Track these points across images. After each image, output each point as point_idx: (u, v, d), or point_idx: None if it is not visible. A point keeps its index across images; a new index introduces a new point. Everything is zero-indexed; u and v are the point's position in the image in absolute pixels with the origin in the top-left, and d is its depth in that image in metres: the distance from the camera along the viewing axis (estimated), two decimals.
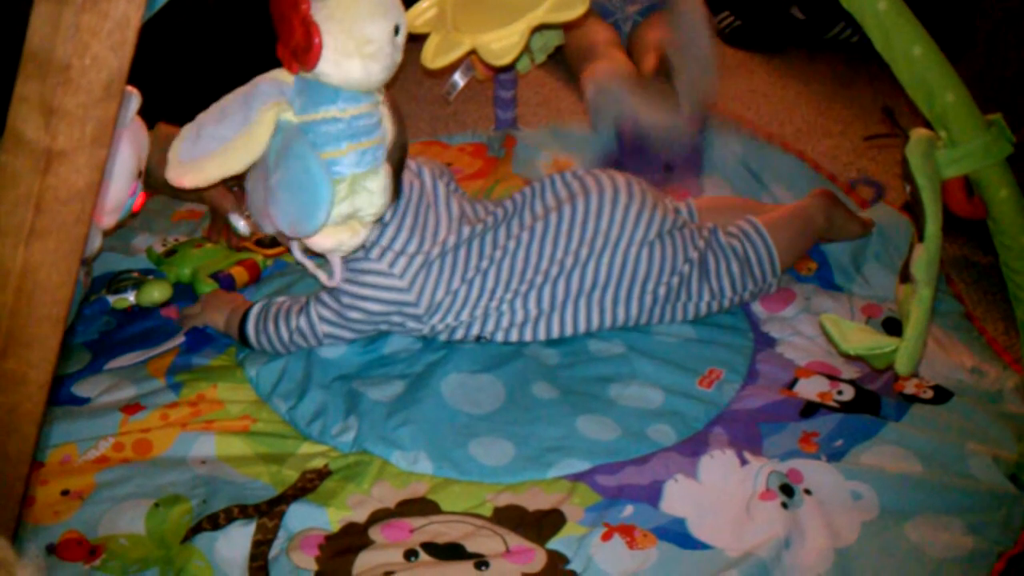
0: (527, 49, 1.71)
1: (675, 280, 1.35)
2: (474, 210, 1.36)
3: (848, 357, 1.27)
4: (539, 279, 1.33)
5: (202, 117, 1.12)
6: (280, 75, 1.13)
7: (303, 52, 1.05)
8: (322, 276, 1.25)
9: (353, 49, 1.06)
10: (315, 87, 1.09)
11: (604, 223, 1.33)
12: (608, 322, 1.36)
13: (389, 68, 1.10)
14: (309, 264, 1.25)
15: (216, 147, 1.09)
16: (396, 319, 1.32)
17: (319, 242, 1.17)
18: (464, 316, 1.33)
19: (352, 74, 1.07)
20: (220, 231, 1.54)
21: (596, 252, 1.33)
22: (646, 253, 1.34)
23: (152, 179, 1.37)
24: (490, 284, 1.32)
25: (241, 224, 1.44)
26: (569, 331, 1.36)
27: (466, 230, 1.32)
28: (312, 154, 1.09)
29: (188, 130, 1.12)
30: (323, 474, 1.18)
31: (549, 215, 1.34)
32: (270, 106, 1.09)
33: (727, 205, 1.54)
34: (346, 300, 1.30)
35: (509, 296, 1.33)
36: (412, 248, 1.28)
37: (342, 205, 1.12)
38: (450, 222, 1.31)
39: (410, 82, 2.18)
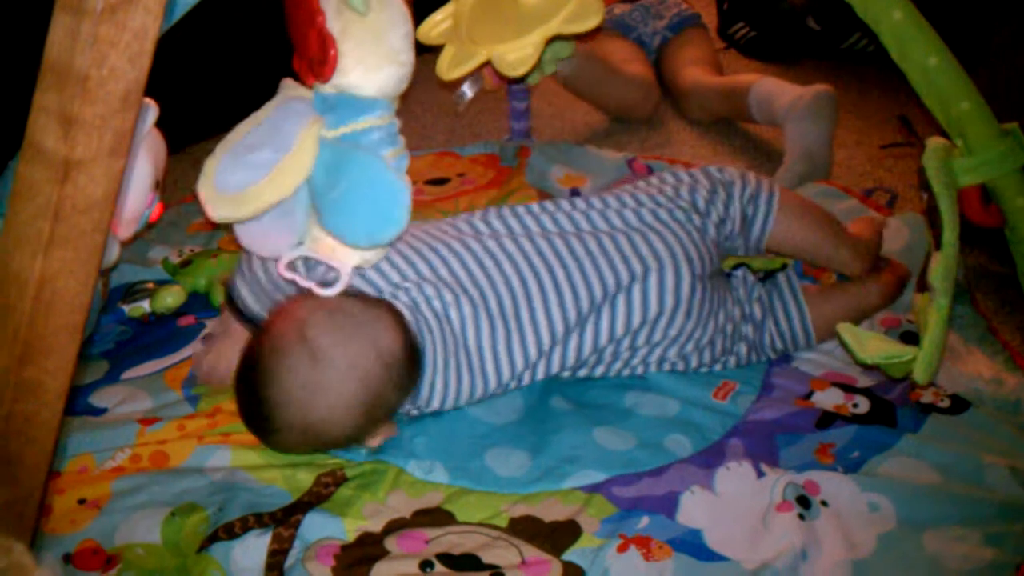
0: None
1: (717, 366, 1.34)
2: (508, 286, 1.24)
3: (865, 366, 1.26)
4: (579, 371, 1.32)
5: (227, 148, 1.09)
6: (300, 92, 1.12)
7: (319, 64, 1.06)
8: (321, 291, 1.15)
9: (391, 58, 1.06)
10: (347, 101, 1.08)
11: (657, 334, 1.28)
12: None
13: (411, 73, 1.10)
14: (314, 286, 1.15)
15: (263, 173, 1.06)
16: None
17: (347, 257, 1.14)
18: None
19: (389, 82, 1.07)
20: None
21: (642, 356, 1.31)
22: (688, 356, 1.31)
23: None
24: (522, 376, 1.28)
25: None
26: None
27: (509, 382, 1.25)
28: (375, 157, 1.07)
29: (216, 163, 1.08)
30: (338, 479, 1.18)
31: (605, 312, 1.26)
32: (310, 123, 1.08)
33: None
34: None
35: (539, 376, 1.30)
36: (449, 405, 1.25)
37: None
38: (485, 380, 1.24)
39: (425, 93, 2.19)
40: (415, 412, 1.25)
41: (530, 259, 1.25)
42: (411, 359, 1.16)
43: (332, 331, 1.11)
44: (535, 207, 1.33)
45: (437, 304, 1.20)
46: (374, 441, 1.21)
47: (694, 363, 1.32)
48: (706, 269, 1.30)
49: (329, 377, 1.10)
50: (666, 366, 1.32)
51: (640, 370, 1.32)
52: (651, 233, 1.29)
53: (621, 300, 1.26)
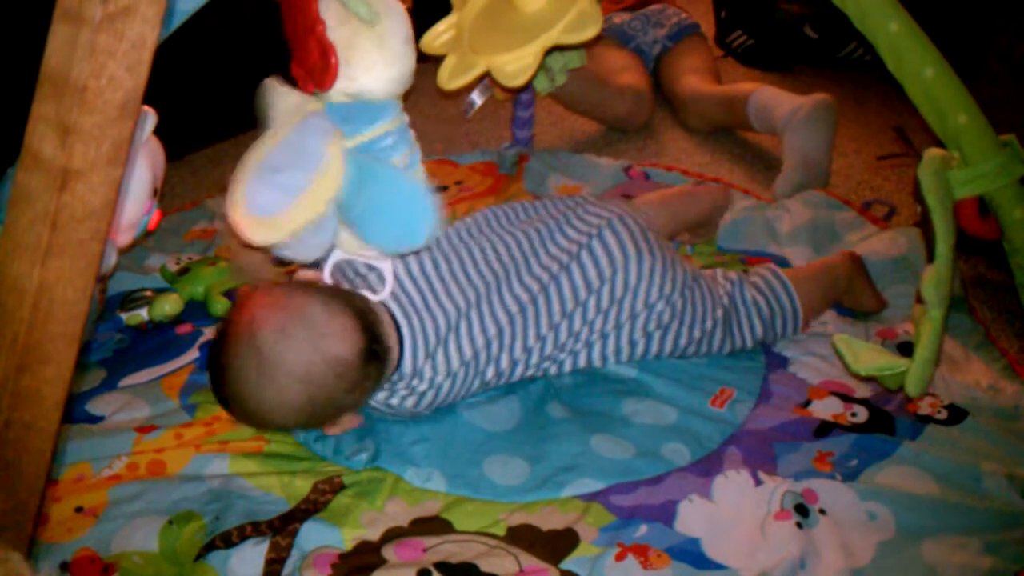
0: (547, 69, 1.72)
1: (696, 333, 1.34)
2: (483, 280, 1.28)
3: (860, 378, 1.26)
4: (560, 354, 1.31)
5: (252, 169, 1.10)
6: (312, 106, 1.12)
7: (320, 72, 1.06)
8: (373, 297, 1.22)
9: (395, 60, 1.06)
10: (361, 108, 1.09)
11: (618, 288, 1.29)
12: (624, 359, 1.35)
13: (413, 70, 1.10)
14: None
15: (295, 193, 1.07)
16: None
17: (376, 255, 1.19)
18: (476, 387, 1.30)
19: (395, 83, 1.08)
20: None
21: (614, 318, 1.31)
22: (667, 310, 1.31)
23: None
24: (505, 360, 1.28)
25: None
26: (583, 365, 1.34)
27: (497, 354, 1.27)
28: (394, 169, 1.09)
29: (244, 186, 1.08)
30: (336, 487, 1.18)
31: (560, 276, 1.29)
32: (332, 139, 1.08)
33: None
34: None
35: (533, 360, 1.30)
36: (443, 385, 1.25)
37: None
38: (474, 347, 1.25)
39: (425, 102, 2.19)
40: (411, 402, 1.24)
41: (499, 253, 1.31)
42: (371, 361, 1.17)
43: (281, 339, 1.12)
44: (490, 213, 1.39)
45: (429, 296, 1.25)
46: (333, 430, 1.25)
47: (667, 317, 1.31)
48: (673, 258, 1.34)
49: (273, 381, 1.12)
50: (657, 338, 1.32)
51: (626, 347, 1.33)
52: (578, 208, 1.37)
53: (574, 265, 1.29)
